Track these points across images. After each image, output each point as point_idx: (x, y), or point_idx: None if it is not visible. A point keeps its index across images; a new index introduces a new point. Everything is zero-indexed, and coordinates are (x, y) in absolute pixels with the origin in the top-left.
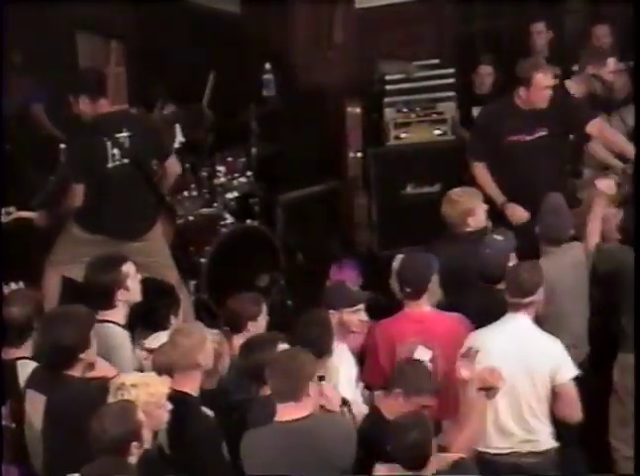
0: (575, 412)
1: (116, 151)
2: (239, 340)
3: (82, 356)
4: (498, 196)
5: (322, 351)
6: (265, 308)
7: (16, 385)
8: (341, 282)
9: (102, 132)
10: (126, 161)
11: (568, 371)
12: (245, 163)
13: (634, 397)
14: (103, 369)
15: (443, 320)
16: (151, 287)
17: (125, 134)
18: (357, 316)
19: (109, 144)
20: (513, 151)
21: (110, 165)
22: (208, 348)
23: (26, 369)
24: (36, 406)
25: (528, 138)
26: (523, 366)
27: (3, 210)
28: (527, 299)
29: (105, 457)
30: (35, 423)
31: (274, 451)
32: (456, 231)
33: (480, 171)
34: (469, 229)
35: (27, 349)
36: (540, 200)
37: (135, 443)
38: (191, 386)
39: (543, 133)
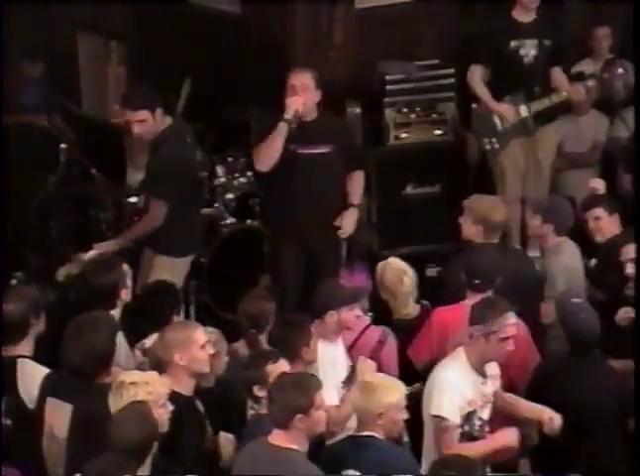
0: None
1: None
2: (265, 338)
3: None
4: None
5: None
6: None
7: (14, 382)
8: (335, 280)
9: None
10: None
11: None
12: (245, 163)
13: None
14: (118, 373)
15: None
16: (152, 286)
17: None
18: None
19: None
20: None
21: None
22: (192, 351)
23: (25, 367)
24: (60, 415)
25: None
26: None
27: None
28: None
29: (109, 455)
30: (57, 433)
31: (246, 467)
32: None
33: None
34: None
35: (26, 347)
36: None
37: (155, 442)
38: (180, 386)
39: None
